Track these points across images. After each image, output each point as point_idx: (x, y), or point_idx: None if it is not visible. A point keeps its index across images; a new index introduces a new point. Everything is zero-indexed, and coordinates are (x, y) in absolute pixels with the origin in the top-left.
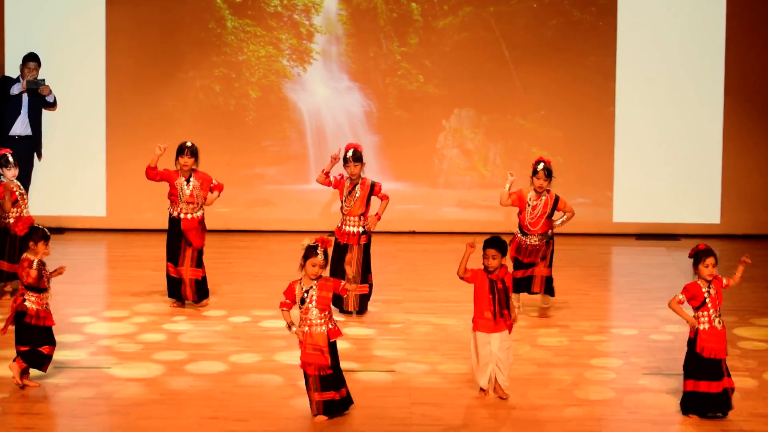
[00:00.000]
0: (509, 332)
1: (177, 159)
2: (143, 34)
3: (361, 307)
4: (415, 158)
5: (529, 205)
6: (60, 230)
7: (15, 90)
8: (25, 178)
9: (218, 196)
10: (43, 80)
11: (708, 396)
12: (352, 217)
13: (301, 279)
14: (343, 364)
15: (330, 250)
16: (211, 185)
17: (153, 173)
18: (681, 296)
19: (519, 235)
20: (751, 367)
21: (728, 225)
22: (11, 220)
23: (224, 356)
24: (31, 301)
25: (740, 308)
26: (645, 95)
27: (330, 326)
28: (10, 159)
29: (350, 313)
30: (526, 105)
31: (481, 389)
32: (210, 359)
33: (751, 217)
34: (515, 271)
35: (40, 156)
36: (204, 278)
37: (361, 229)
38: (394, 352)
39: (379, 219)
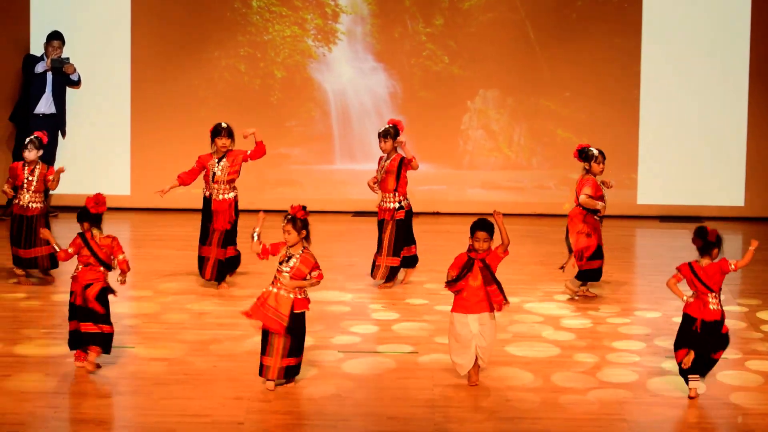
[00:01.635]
0: (492, 313)
1: (213, 141)
2: (168, 13)
3: (389, 278)
4: (439, 139)
5: (604, 189)
6: (56, 211)
7: (39, 68)
8: (49, 157)
9: None
10: (68, 59)
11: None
12: (386, 194)
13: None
14: (366, 345)
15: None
16: (248, 153)
17: (186, 178)
18: (678, 273)
19: (596, 221)
20: None
21: (752, 207)
22: (33, 204)
23: (248, 336)
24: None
25: (763, 291)
26: (670, 77)
27: (299, 296)
28: (34, 141)
29: (386, 283)
30: (551, 86)
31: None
32: (234, 339)
33: None
34: (598, 261)
35: (64, 134)
36: (228, 260)
37: (396, 205)
38: (418, 333)
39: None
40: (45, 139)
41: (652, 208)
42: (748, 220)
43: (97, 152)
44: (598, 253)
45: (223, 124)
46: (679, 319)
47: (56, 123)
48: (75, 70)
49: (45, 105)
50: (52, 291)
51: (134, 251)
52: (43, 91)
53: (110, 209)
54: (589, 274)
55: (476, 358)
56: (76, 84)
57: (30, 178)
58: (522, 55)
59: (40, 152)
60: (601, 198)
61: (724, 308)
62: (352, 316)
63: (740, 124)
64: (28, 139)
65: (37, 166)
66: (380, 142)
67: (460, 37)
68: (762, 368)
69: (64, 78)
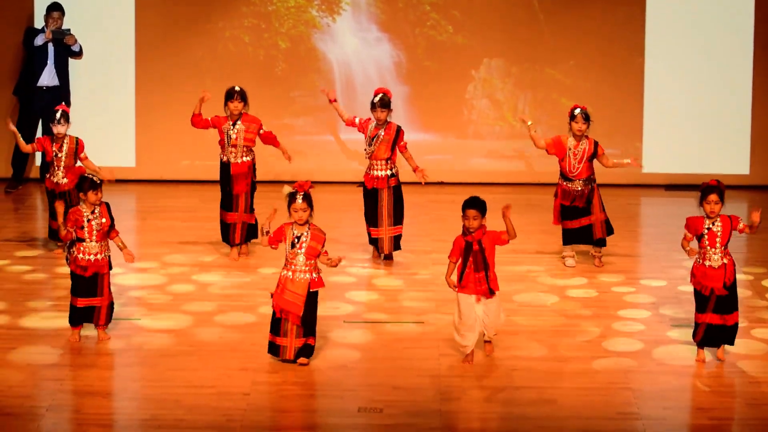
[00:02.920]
0: (490, 296)
1: (226, 104)
2: None
3: (395, 247)
4: (444, 109)
5: (570, 150)
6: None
7: (39, 41)
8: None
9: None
10: (68, 30)
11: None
12: (378, 162)
13: (292, 224)
14: (372, 315)
15: (310, 192)
16: (261, 131)
17: (198, 120)
18: (686, 233)
19: (563, 182)
20: None
21: (758, 175)
22: (65, 179)
23: (254, 308)
24: (78, 250)
25: None
26: (675, 45)
27: (314, 276)
28: (65, 115)
29: (388, 258)
30: (556, 55)
31: (466, 357)
32: (239, 310)
33: None
34: (566, 221)
35: (68, 106)
36: (257, 222)
37: (389, 173)
38: (423, 304)
39: (421, 169)
40: (68, 110)
41: (657, 177)
42: (753, 188)
43: (102, 124)
44: (565, 213)
45: (237, 88)
46: (685, 288)
47: (60, 95)
48: (76, 41)
49: (48, 77)
50: (57, 264)
51: (139, 223)
52: (45, 64)
53: (115, 181)
54: (563, 235)
55: (483, 335)
56: (78, 54)
57: (59, 154)
58: (526, 24)
59: (69, 125)
60: (562, 159)
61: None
62: (358, 287)
63: (745, 92)
64: (59, 114)
65: (65, 141)
66: (378, 111)
67: (465, 7)
68: (767, 336)
69: (66, 49)
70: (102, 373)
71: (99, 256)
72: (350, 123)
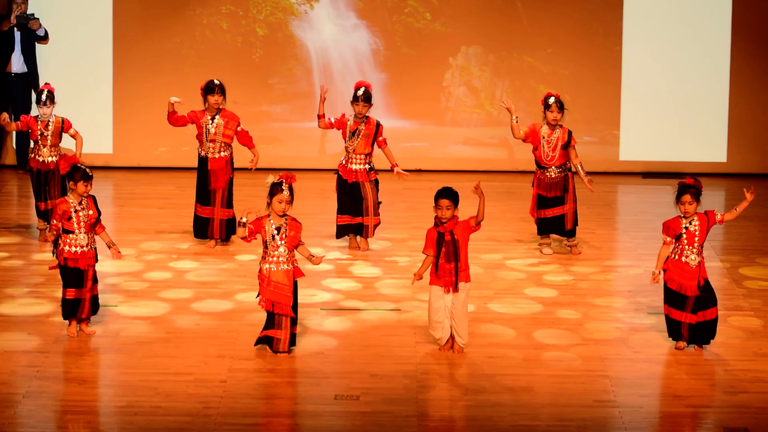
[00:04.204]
0: (456, 290)
1: (206, 98)
2: None
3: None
4: (421, 96)
5: (544, 139)
6: None
7: (2, 26)
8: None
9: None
10: (33, 14)
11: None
12: (357, 156)
13: (269, 215)
14: (349, 303)
15: (293, 186)
16: (238, 128)
17: (174, 119)
18: (665, 237)
19: (538, 171)
20: (756, 306)
21: (734, 163)
22: (53, 158)
23: (230, 294)
24: (64, 242)
25: (746, 248)
26: (652, 33)
27: (296, 265)
28: (50, 96)
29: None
30: (534, 43)
31: (442, 346)
32: (216, 297)
33: (757, 156)
34: (541, 211)
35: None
36: (234, 218)
37: (368, 166)
38: (399, 291)
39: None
40: (53, 90)
41: (634, 165)
42: (730, 176)
43: (79, 110)
44: (541, 203)
45: (216, 81)
46: (663, 276)
47: (30, 82)
48: (41, 25)
49: (17, 65)
50: (34, 250)
51: (116, 210)
52: (12, 49)
53: (92, 168)
54: (538, 224)
55: (453, 337)
56: (44, 39)
57: (45, 133)
58: (504, 12)
59: (55, 105)
60: (536, 148)
61: (707, 265)
62: (334, 274)
63: (722, 79)
64: (44, 95)
65: (51, 120)
66: (360, 105)
67: None
68: (744, 324)
69: (32, 34)
70: (79, 360)
71: (86, 248)
72: (328, 126)
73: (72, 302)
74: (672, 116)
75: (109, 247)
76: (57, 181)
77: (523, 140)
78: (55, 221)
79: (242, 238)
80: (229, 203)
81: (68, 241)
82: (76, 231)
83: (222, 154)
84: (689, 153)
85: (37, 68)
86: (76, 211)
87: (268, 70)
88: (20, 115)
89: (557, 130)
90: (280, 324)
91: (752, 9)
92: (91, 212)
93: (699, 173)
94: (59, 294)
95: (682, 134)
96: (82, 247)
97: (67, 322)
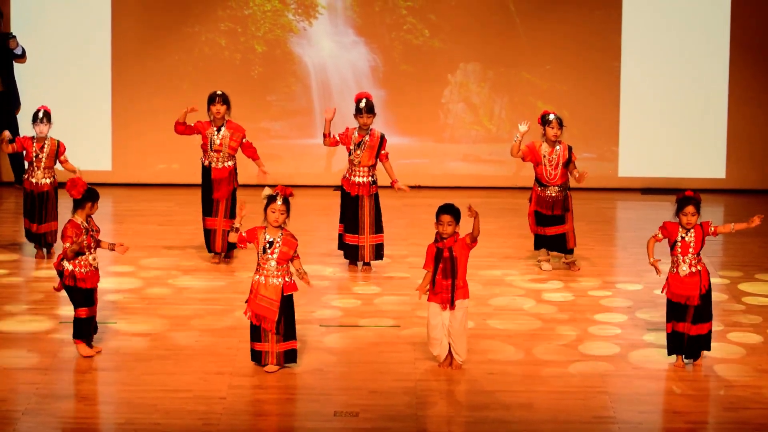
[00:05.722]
0: (453, 308)
1: (209, 108)
2: None
3: (377, 256)
4: (420, 113)
5: (545, 157)
6: (64, 184)
7: None
8: (12, 133)
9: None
10: (10, 33)
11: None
12: (361, 168)
13: (265, 227)
14: (348, 320)
15: (290, 198)
16: (243, 140)
17: (182, 128)
18: (659, 233)
19: (537, 188)
20: (755, 322)
21: (733, 179)
22: (46, 180)
23: (230, 311)
24: (73, 263)
25: (745, 263)
26: (651, 49)
27: (286, 279)
28: (47, 114)
29: (367, 264)
30: (532, 59)
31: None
32: (216, 314)
33: (756, 172)
34: (541, 228)
35: (18, 109)
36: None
37: (371, 179)
38: (399, 308)
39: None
40: (50, 110)
41: (633, 181)
42: (729, 192)
43: (78, 127)
44: (540, 220)
45: (219, 91)
46: (660, 292)
47: (8, 100)
48: (18, 44)
49: None
50: (33, 267)
51: (116, 227)
52: None
53: (91, 185)
54: (536, 239)
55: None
56: (21, 57)
57: (40, 155)
58: (502, 28)
59: (51, 125)
60: (537, 165)
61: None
62: (334, 290)
63: (721, 96)
64: (41, 114)
65: (47, 142)
66: (365, 116)
67: (441, 11)
68: (744, 340)
69: (9, 53)
70: (78, 377)
71: (94, 267)
72: (333, 143)
73: (86, 321)
74: (671, 132)
75: (113, 248)
76: (51, 204)
77: (522, 159)
78: (76, 243)
79: (235, 243)
80: (232, 214)
81: (77, 261)
82: (87, 251)
83: (226, 164)
84: (688, 169)
85: (16, 86)
86: (87, 231)
87: (267, 87)
88: (15, 138)
89: (557, 147)
90: (266, 337)
91: (750, 26)
92: (95, 229)
93: (698, 189)
94: (58, 311)
95: (681, 150)
96: (90, 266)
97: (72, 340)
